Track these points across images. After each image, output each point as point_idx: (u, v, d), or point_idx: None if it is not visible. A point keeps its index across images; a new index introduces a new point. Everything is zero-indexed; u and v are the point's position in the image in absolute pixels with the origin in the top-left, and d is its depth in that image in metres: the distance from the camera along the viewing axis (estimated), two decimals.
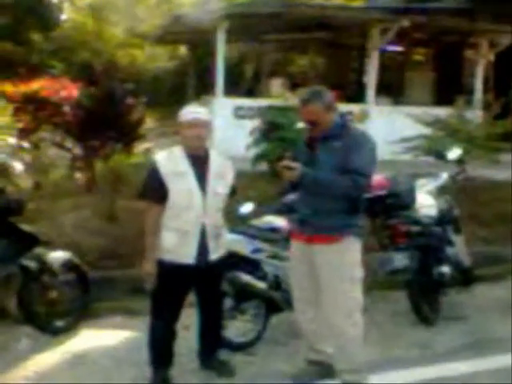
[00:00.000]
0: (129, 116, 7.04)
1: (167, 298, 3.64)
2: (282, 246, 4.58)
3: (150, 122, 15.10)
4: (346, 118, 3.67)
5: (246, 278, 4.39)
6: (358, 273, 3.61)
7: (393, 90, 13.33)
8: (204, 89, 13.75)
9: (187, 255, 3.59)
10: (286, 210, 5.00)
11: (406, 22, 10.45)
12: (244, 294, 4.38)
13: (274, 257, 4.55)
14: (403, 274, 4.80)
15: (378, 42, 11.22)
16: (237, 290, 4.33)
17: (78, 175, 7.15)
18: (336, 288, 3.56)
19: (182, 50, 21.02)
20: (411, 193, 4.82)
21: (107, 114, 6.78)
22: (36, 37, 20.22)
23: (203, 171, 3.64)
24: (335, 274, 3.56)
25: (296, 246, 3.79)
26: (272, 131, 7.44)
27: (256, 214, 4.93)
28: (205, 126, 3.63)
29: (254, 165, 7.56)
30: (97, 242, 5.77)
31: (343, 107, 10.81)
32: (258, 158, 7.49)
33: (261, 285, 4.42)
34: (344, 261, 3.54)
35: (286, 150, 7.56)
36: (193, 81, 15.76)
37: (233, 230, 4.31)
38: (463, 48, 14.75)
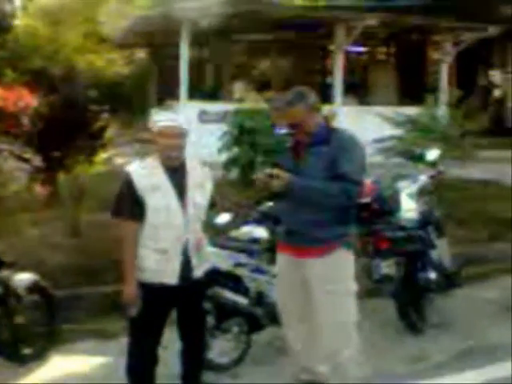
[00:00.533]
0: (92, 124, 6.69)
1: (148, 321, 3.36)
2: (263, 258, 4.35)
3: (110, 130, 14.75)
4: (328, 122, 3.44)
5: (227, 294, 4.15)
6: (352, 286, 3.39)
7: (358, 89, 13.24)
8: (166, 94, 13.40)
9: (170, 275, 3.32)
10: (263, 219, 4.79)
11: (372, 21, 10.32)
12: (226, 312, 4.13)
13: (256, 270, 4.32)
14: (389, 281, 4.60)
15: (344, 42, 11.08)
16: (218, 307, 4.09)
17: (39, 188, 6.77)
18: (329, 303, 3.33)
19: (141, 54, 20.57)
20: (396, 197, 4.64)
21: (69, 123, 6.41)
22: None
23: (181, 183, 3.38)
24: (328, 289, 3.32)
25: (284, 259, 3.54)
26: (242, 135, 7.19)
27: (232, 224, 4.71)
28: (183, 135, 3.36)
29: (225, 170, 7.30)
30: (62, 258, 5.50)
31: None
32: (230, 163, 7.24)
33: (243, 301, 4.18)
34: (337, 274, 3.31)
35: (258, 154, 7.43)
36: (154, 85, 15.38)
37: (212, 243, 4.05)
38: (426, 46, 14.77)
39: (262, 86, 12.97)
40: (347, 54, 12.11)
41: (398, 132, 8.05)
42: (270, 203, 4.81)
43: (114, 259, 4.15)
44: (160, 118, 3.36)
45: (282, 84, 13.54)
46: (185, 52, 10.85)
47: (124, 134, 15.58)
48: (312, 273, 3.34)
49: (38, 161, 6.81)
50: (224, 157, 7.30)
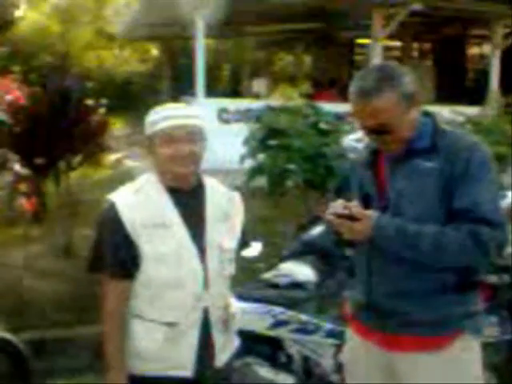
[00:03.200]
0: (87, 122, 5.43)
1: None
2: (310, 310, 3.12)
3: (121, 130, 13.64)
4: (436, 120, 2.12)
5: (262, 370, 2.91)
6: None
7: None
8: (181, 91, 12.18)
9: (181, 364, 2.08)
10: (308, 252, 3.57)
11: (417, 5, 8.94)
12: None
13: (301, 330, 3.07)
14: (493, 347, 3.28)
15: (380, 32, 9.74)
16: None
17: (23, 200, 5.59)
18: None
19: (155, 52, 19.58)
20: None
21: (59, 122, 5.17)
22: None
23: (197, 216, 2.12)
24: None
25: (360, 345, 2.20)
26: (272, 138, 5.88)
27: (264, 257, 3.49)
28: (196, 137, 2.09)
29: (249, 181, 6.00)
30: (50, 286, 4.68)
31: (342, 107, 9.37)
32: (255, 171, 5.93)
33: (285, 379, 2.92)
34: (454, 377, 1.99)
35: (292, 161, 6.15)
36: (168, 82, 14.15)
37: (240, 296, 2.80)
38: (466, 41, 13.45)
39: (286, 81, 11.68)
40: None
41: None
42: (318, 229, 3.58)
43: None
44: (160, 115, 2.09)
45: (307, 80, 12.26)
46: (201, 43, 9.59)
47: (135, 133, 14.55)
48: (411, 374, 2.02)
49: (21, 168, 5.60)
50: (248, 164, 5.99)
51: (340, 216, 1.92)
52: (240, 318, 2.56)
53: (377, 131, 1.96)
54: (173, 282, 2.05)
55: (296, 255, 3.56)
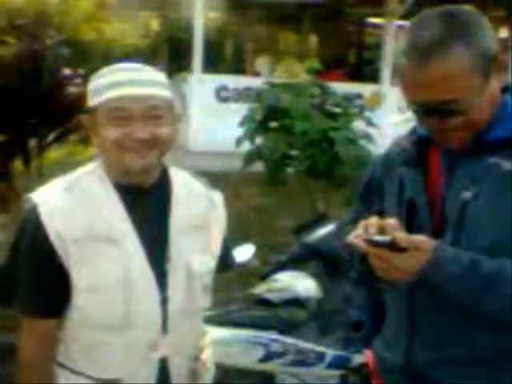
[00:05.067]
0: (62, 95, 4.74)
1: None
2: (309, 333, 2.54)
3: None
4: None
5: None
6: None
7: None
8: (180, 68, 11.49)
9: None
10: (310, 258, 2.98)
11: None
12: None
13: (299, 362, 2.46)
14: None
15: (397, 8, 9.02)
16: None
17: None
18: None
19: (155, 26, 18.84)
20: None
21: (28, 93, 4.48)
22: None
23: (157, 226, 1.50)
24: None
25: None
26: (272, 119, 5.21)
27: (257, 259, 2.89)
28: (160, 114, 1.45)
29: (245, 166, 5.34)
30: None
31: (350, 87, 8.69)
32: (253, 155, 5.27)
33: None
34: None
35: (293, 145, 5.50)
36: (165, 57, 13.40)
37: (220, 320, 2.20)
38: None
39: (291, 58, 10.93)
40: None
41: None
42: (323, 230, 2.98)
43: None
44: (105, 79, 1.44)
45: (314, 57, 11.53)
46: (200, 15, 8.89)
47: None
48: None
49: None
50: (246, 147, 5.33)
51: (376, 244, 1.26)
52: (220, 342, 1.95)
53: (439, 111, 1.29)
54: (117, 323, 1.42)
55: (295, 261, 2.94)
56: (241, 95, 8.34)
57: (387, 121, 7.41)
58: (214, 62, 13.75)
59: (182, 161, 8.13)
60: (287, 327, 2.53)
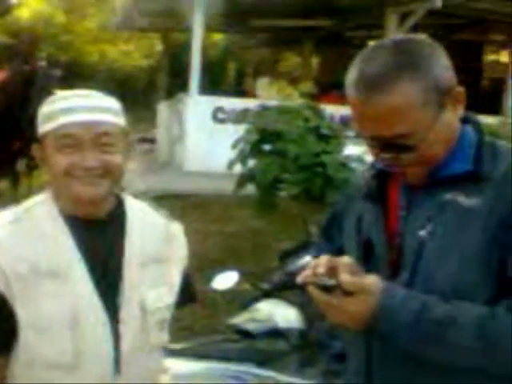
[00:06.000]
0: None
1: None
2: (289, 366, 2.45)
3: None
4: (482, 131, 1.32)
5: None
6: None
7: None
8: (180, 88, 11.53)
9: None
10: (293, 286, 2.86)
11: (438, 2, 8.16)
12: None
13: None
14: None
15: (395, 32, 9.00)
16: None
17: None
18: None
19: (159, 47, 19.01)
20: None
21: (17, 115, 4.45)
22: None
23: (110, 259, 1.42)
24: None
25: None
26: (266, 141, 5.16)
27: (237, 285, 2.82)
28: (112, 141, 1.38)
29: (238, 189, 5.28)
30: None
31: (347, 110, 8.63)
32: (245, 178, 5.22)
33: None
34: None
35: (285, 169, 5.44)
36: (166, 78, 13.45)
37: (194, 352, 2.11)
38: (485, 45, 12.72)
39: (292, 82, 10.95)
40: None
41: None
42: (308, 257, 2.87)
43: None
44: (55, 106, 1.38)
45: (316, 81, 11.55)
46: (198, 37, 8.89)
47: (131, 131, 13.94)
48: None
49: None
50: (239, 169, 5.28)
51: (321, 287, 1.18)
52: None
53: (391, 146, 1.22)
54: (65, 362, 1.34)
55: (278, 289, 2.85)
56: (238, 117, 8.31)
57: None
58: (215, 83, 13.80)
59: (177, 181, 8.10)
60: (266, 359, 2.44)
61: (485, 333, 1.14)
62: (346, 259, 1.22)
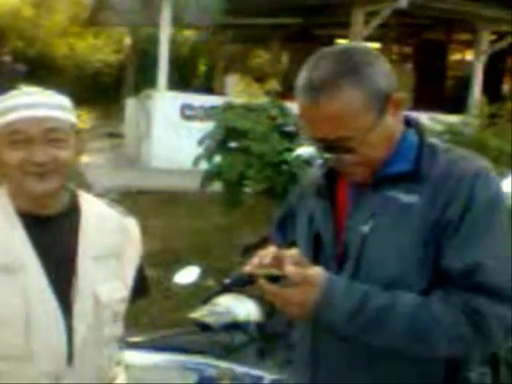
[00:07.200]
0: None
1: None
2: (248, 357, 2.51)
3: (88, 122, 12.89)
4: (423, 133, 1.40)
5: None
6: None
7: None
8: (148, 84, 11.51)
9: None
10: (252, 279, 2.91)
11: (403, 2, 8.29)
12: None
13: None
14: None
15: (360, 32, 9.13)
16: None
17: None
18: None
19: (128, 41, 18.88)
20: None
21: None
22: None
23: (63, 254, 1.46)
24: None
25: None
26: (232, 139, 5.22)
27: (202, 280, 2.88)
28: (61, 137, 1.42)
29: (203, 186, 5.34)
30: None
31: None
32: (210, 175, 5.28)
33: None
34: None
35: (250, 166, 5.50)
36: (134, 73, 13.40)
37: (153, 345, 2.16)
38: (450, 44, 12.94)
39: (259, 80, 11.01)
40: None
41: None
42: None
43: None
44: (4, 104, 1.42)
45: (282, 78, 11.63)
46: (166, 32, 8.89)
47: (101, 126, 13.81)
48: None
49: None
50: (204, 166, 5.33)
51: (268, 277, 1.25)
52: (154, 375, 1.92)
53: (334, 148, 1.30)
54: (18, 354, 1.38)
55: (239, 284, 2.91)
56: (206, 114, 8.34)
57: None
58: (185, 80, 13.78)
59: (144, 177, 8.12)
60: (224, 352, 2.50)
61: (419, 320, 1.23)
62: (292, 251, 1.29)
